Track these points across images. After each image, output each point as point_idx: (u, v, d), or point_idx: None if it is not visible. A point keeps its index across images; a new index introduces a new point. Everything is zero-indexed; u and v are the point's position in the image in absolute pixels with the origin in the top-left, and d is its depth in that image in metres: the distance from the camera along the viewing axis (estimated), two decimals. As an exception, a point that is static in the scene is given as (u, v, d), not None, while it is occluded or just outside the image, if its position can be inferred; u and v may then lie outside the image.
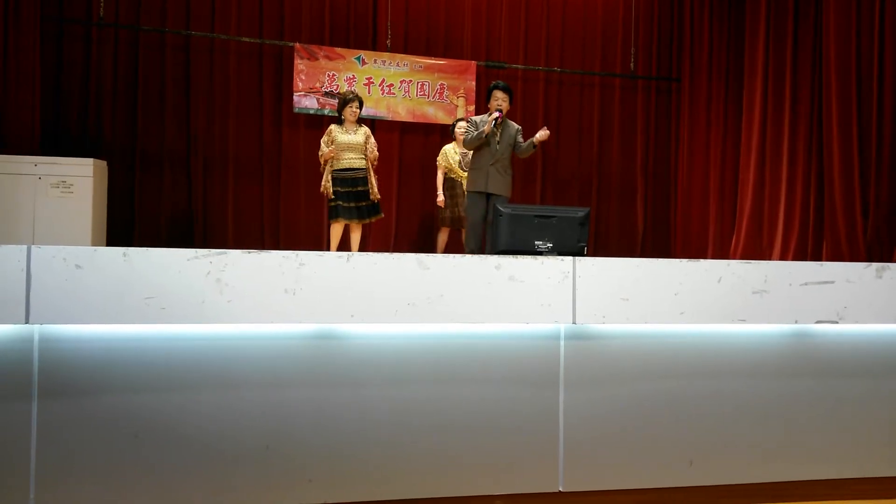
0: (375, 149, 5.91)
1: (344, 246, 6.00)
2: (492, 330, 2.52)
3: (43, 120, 6.52)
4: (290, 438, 2.38)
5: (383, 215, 6.16)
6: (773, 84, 6.95)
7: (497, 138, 5.20)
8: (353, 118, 5.86)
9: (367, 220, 5.99)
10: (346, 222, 5.89)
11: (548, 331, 2.55)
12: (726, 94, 7.64)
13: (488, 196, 5.18)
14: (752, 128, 7.13)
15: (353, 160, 5.82)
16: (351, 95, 5.95)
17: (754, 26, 7.22)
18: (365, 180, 5.87)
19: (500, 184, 5.24)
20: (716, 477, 2.65)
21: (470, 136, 5.21)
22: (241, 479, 2.35)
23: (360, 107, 5.96)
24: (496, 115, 5.13)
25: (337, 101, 6.12)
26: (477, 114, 7.14)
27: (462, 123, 6.23)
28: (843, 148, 6.17)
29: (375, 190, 5.92)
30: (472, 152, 5.35)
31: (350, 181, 5.83)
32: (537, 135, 5.20)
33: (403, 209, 7.65)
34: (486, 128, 5.11)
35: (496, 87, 5.28)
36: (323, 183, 5.85)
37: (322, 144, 5.84)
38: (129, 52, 6.94)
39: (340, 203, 5.82)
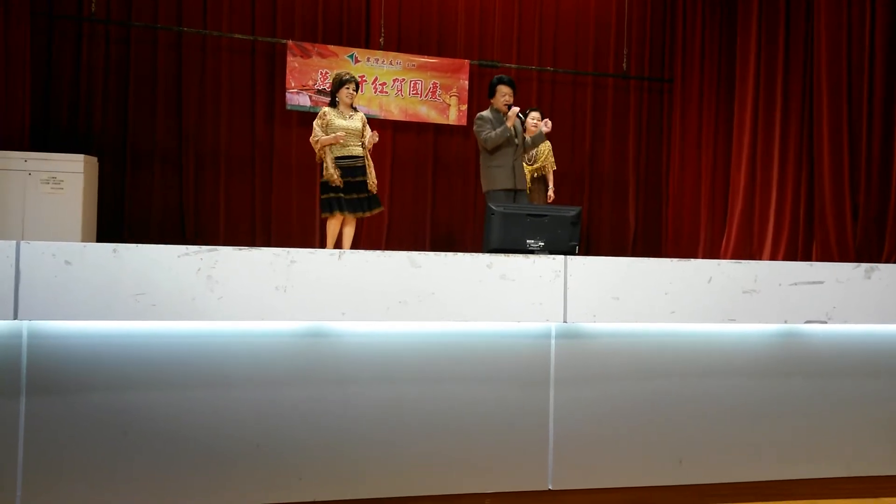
0: (374, 136, 5.33)
1: (336, 242, 5.55)
2: (483, 328, 2.52)
3: (33, 115, 6.48)
4: (281, 436, 2.38)
5: (383, 208, 5.69)
6: (764, 85, 6.99)
7: (513, 132, 5.09)
8: (349, 101, 5.30)
9: (369, 213, 5.43)
10: (344, 216, 5.30)
11: (539, 329, 2.55)
12: (718, 95, 7.67)
13: (515, 192, 5.07)
14: (743, 128, 7.16)
15: (352, 147, 5.26)
16: (347, 76, 5.34)
17: (746, 28, 7.25)
18: (364, 169, 5.32)
19: (523, 179, 5.15)
20: (705, 476, 2.66)
21: (493, 135, 4.93)
22: (231, 477, 2.34)
23: (357, 89, 5.41)
24: (517, 109, 5.03)
25: (331, 84, 5.50)
26: (472, 112, 7.13)
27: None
28: (834, 149, 6.20)
29: (374, 179, 5.38)
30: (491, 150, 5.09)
31: (350, 170, 5.25)
32: (545, 127, 5.14)
33: (396, 207, 7.64)
34: (509, 122, 4.96)
35: (501, 82, 5.07)
36: (329, 171, 5.18)
37: (316, 128, 5.21)
38: (121, 48, 6.91)
39: (342, 195, 5.22)
